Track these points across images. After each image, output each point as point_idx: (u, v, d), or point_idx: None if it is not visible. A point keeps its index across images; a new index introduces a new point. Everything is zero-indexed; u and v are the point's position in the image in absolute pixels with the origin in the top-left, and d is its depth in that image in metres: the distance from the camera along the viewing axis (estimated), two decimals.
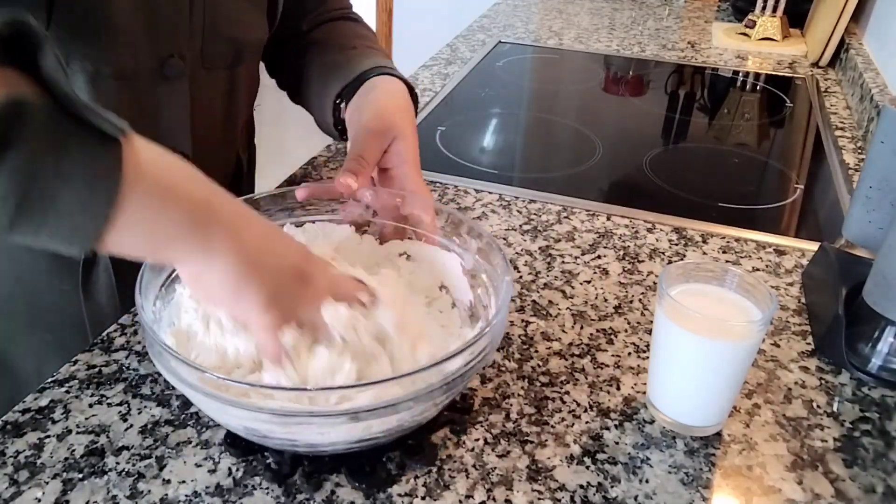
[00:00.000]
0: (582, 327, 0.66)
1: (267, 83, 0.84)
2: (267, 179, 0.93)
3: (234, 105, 0.75)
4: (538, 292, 0.70)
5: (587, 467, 0.51)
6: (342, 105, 0.72)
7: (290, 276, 0.47)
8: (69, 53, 0.56)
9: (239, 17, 0.69)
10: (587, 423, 0.55)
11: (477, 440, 0.53)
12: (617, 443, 0.54)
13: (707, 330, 0.51)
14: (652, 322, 0.67)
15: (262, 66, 0.83)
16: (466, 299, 0.60)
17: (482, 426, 0.54)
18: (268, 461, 0.50)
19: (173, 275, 0.54)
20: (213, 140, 0.73)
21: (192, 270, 0.45)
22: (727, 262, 0.77)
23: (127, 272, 0.53)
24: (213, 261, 0.43)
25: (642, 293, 0.71)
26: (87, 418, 0.53)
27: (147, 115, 0.64)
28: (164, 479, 0.49)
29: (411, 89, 0.72)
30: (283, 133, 1.81)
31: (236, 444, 0.51)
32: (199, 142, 0.70)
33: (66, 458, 0.50)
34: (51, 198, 0.35)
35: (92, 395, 0.55)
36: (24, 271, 0.67)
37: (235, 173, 0.84)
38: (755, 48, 1.53)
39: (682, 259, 0.77)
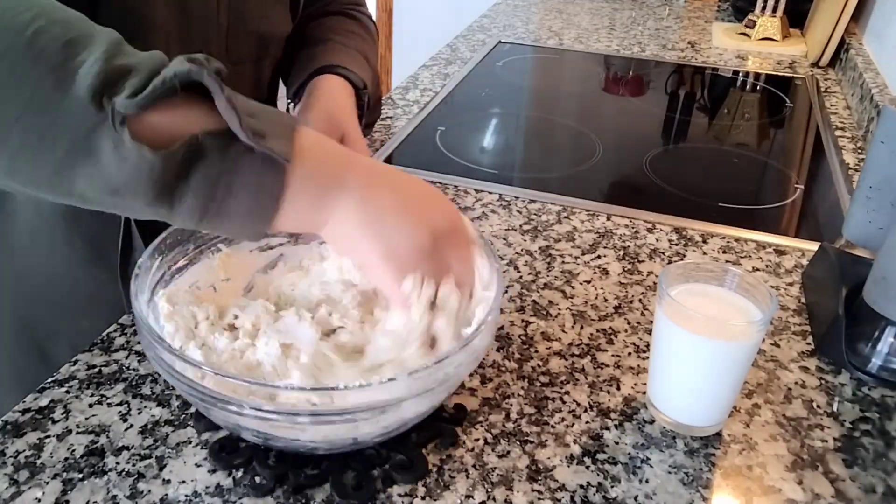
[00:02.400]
0: (582, 327, 0.66)
1: None
2: None
3: (258, 96, 0.76)
4: (538, 292, 0.70)
5: (587, 467, 0.51)
6: (292, 106, 0.74)
7: (417, 243, 0.48)
8: None
9: (264, 13, 0.70)
10: (587, 423, 0.55)
11: (477, 440, 0.53)
12: (617, 443, 0.54)
13: (707, 330, 0.51)
14: (652, 322, 0.67)
15: None
16: None
17: (482, 426, 0.54)
18: (254, 475, 0.50)
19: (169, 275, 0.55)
20: None
21: (331, 231, 0.47)
22: (727, 262, 0.77)
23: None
24: (344, 220, 0.46)
25: (642, 293, 0.71)
26: (87, 418, 0.53)
27: None
28: (164, 479, 0.49)
29: (357, 87, 0.73)
30: None
31: (219, 455, 0.51)
32: None
33: (66, 458, 0.50)
34: (225, 212, 0.43)
35: (92, 395, 0.55)
36: (62, 260, 0.68)
37: None
38: (755, 48, 1.53)
39: (681, 259, 0.77)
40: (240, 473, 0.50)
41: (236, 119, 0.40)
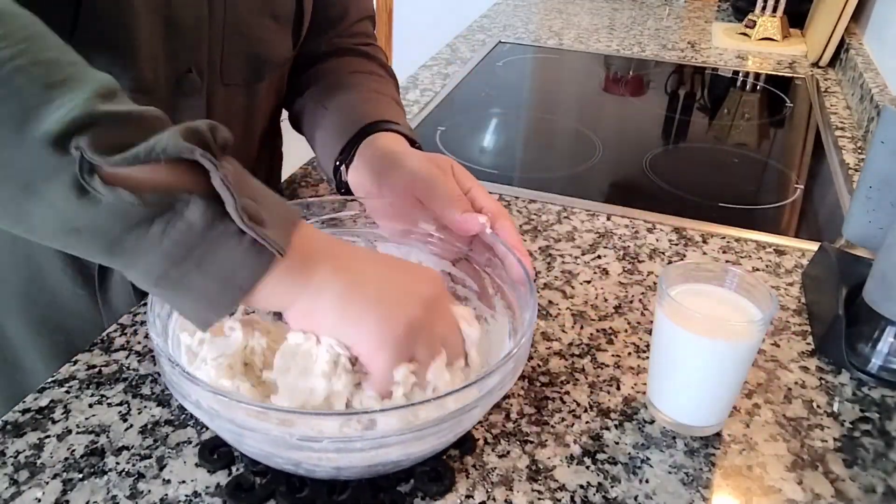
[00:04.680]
0: (582, 327, 0.66)
1: None
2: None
3: (252, 119, 0.74)
4: (538, 292, 0.70)
5: (587, 467, 0.51)
6: (342, 167, 0.69)
7: (406, 318, 0.45)
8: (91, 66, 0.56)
9: (261, 35, 0.67)
10: (587, 423, 0.55)
11: (477, 440, 0.53)
12: (617, 443, 0.54)
13: (707, 330, 0.51)
14: (652, 322, 0.67)
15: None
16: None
17: (482, 426, 0.54)
18: (238, 476, 0.49)
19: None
20: (233, 156, 0.72)
21: (299, 310, 0.45)
22: (727, 262, 0.77)
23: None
24: (319, 297, 0.44)
25: (642, 293, 0.71)
26: (87, 418, 0.53)
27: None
28: (164, 479, 0.49)
29: (412, 141, 0.70)
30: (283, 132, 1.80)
31: (208, 456, 0.50)
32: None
33: (66, 458, 0.50)
34: (186, 284, 0.40)
35: (92, 395, 0.55)
36: (39, 271, 0.67)
37: None
38: (755, 48, 1.53)
39: (681, 259, 0.77)
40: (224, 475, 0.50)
41: (231, 200, 0.39)
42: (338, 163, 0.69)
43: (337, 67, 0.78)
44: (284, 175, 0.91)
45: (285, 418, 0.42)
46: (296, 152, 0.94)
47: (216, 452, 0.50)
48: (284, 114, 0.82)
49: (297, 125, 0.81)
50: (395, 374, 0.45)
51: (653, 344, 0.56)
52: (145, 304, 0.64)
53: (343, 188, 0.69)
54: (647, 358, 0.62)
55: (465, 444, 0.52)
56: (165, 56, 0.60)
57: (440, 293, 0.49)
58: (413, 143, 0.70)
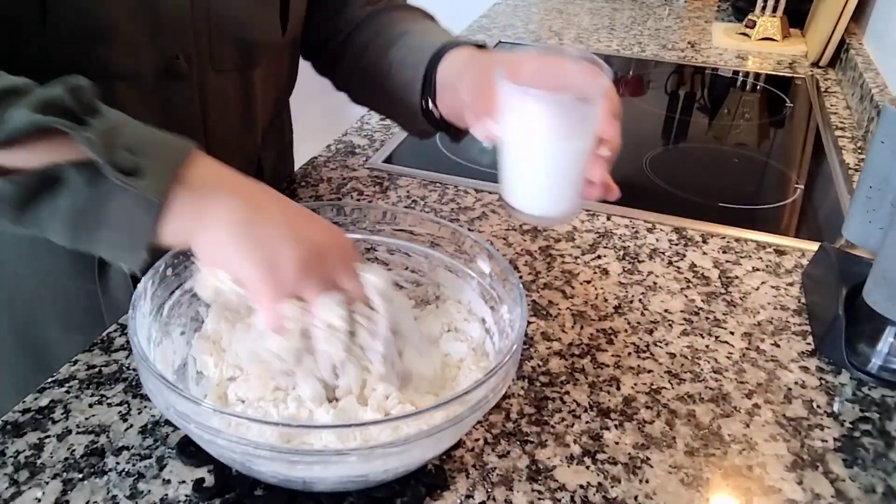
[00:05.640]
0: (582, 327, 0.66)
1: None
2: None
3: (251, 108, 0.73)
4: (538, 292, 0.70)
5: (587, 467, 0.51)
6: (426, 105, 0.68)
7: (306, 249, 0.47)
8: (69, 54, 0.56)
9: (247, 19, 0.67)
10: (587, 423, 0.55)
11: (477, 440, 0.53)
12: (617, 443, 0.54)
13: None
14: (652, 322, 0.67)
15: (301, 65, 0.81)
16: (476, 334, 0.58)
17: (482, 426, 0.54)
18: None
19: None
20: (230, 142, 0.72)
21: (199, 244, 0.46)
22: (727, 261, 0.77)
23: (144, 269, 0.53)
24: (211, 226, 0.45)
25: (642, 293, 0.71)
26: (87, 418, 0.53)
27: (156, 115, 0.63)
28: (164, 479, 0.49)
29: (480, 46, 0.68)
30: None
31: (187, 451, 0.50)
32: (215, 143, 0.68)
33: (66, 458, 0.50)
34: (98, 239, 0.45)
35: (92, 395, 0.55)
36: (49, 269, 0.68)
37: (255, 175, 0.82)
38: (755, 48, 1.53)
39: (681, 259, 0.77)
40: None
41: (100, 157, 0.41)
42: (423, 101, 0.68)
43: (379, 28, 0.76)
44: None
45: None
46: (296, 152, 0.94)
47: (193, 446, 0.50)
48: (295, 105, 0.82)
49: (357, 97, 0.80)
50: (283, 310, 0.46)
51: (502, 139, 0.54)
52: None
53: (434, 123, 0.69)
54: (647, 358, 0.62)
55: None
56: (147, 42, 0.60)
57: (336, 243, 0.49)
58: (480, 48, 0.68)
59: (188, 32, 0.62)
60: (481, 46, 0.67)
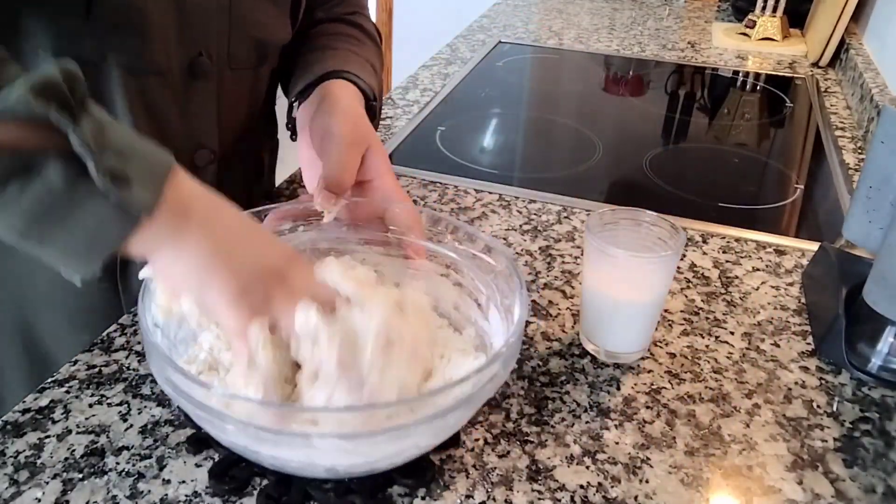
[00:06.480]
0: None
1: None
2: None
3: (255, 104, 0.76)
4: (538, 292, 0.70)
5: (587, 467, 0.51)
6: (295, 104, 0.71)
7: (265, 272, 0.46)
8: (105, 47, 0.58)
9: (263, 20, 0.69)
10: (587, 423, 0.55)
11: (477, 440, 0.53)
12: (617, 443, 0.54)
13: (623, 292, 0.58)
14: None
15: None
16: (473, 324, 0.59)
17: (482, 426, 0.54)
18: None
19: None
20: (238, 139, 0.74)
21: (162, 262, 0.45)
22: (727, 261, 0.77)
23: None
24: (182, 250, 0.44)
25: None
26: (87, 418, 0.53)
27: (179, 111, 0.65)
28: (164, 479, 0.49)
29: (368, 98, 0.70)
30: (281, 132, 1.80)
31: (197, 446, 0.51)
32: (225, 141, 0.71)
33: (66, 458, 0.50)
34: (50, 241, 0.41)
35: (92, 395, 0.55)
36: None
37: (257, 172, 0.84)
38: (755, 48, 1.53)
39: (681, 259, 0.77)
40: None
41: (91, 161, 0.39)
42: (293, 101, 0.72)
43: (323, 32, 0.79)
44: (285, 175, 0.91)
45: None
46: (294, 152, 0.94)
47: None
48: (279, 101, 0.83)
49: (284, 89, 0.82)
50: (249, 334, 0.45)
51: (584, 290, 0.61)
52: None
53: (290, 124, 0.73)
54: (647, 358, 0.62)
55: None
56: (177, 39, 0.62)
57: (291, 264, 0.48)
58: (368, 99, 0.71)
59: (213, 31, 0.65)
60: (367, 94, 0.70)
